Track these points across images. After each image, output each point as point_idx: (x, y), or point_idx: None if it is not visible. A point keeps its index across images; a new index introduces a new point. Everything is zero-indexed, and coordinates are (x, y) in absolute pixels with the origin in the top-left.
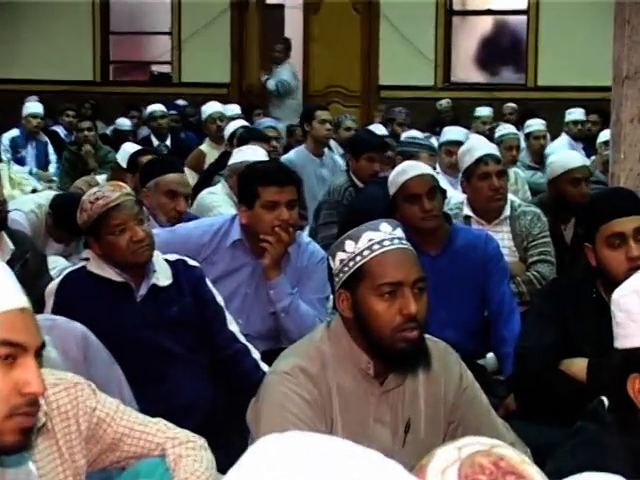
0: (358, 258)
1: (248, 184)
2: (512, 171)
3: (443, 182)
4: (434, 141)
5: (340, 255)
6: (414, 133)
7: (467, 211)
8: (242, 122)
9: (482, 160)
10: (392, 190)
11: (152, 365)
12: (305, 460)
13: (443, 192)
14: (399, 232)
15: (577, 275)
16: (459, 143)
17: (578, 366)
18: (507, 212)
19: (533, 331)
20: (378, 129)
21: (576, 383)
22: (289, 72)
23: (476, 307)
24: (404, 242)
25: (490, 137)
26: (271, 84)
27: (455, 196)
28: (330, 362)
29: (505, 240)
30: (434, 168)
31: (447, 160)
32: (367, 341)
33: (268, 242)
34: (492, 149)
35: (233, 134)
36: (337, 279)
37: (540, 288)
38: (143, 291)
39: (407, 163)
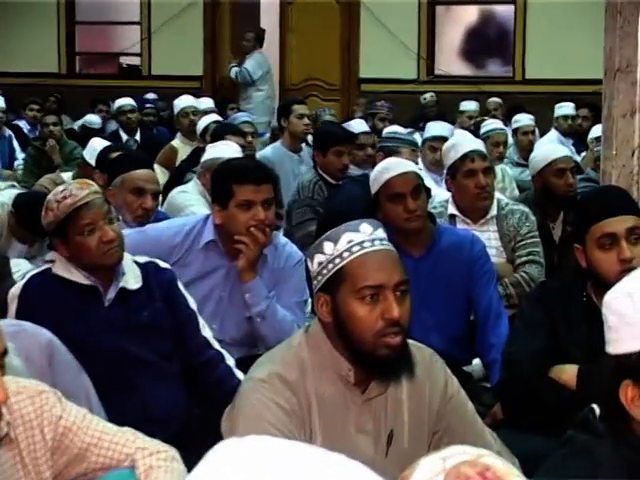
0: (337, 260)
1: (222, 182)
2: (499, 168)
3: (427, 179)
4: (417, 137)
5: (318, 257)
6: (396, 128)
7: (452, 210)
8: (215, 117)
9: (468, 156)
10: (374, 188)
11: (121, 373)
12: (267, 463)
13: (427, 191)
14: (380, 233)
15: (566, 277)
16: (444, 139)
17: (568, 373)
18: (494, 211)
19: (521, 336)
20: (359, 124)
21: (566, 390)
22: (254, 61)
23: (462, 311)
24: (385, 243)
25: (476, 132)
26: (232, 72)
27: (439, 194)
28: (309, 369)
29: (492, 240)
30: (416, 164)
31: (431, 156)
32: (348, 347)
33: (243, 243)
34: (478, 145)
35: (206, 129)
36: (316, 282)
37: (528, 291)
38: (111, 295)
39: (390, 160)
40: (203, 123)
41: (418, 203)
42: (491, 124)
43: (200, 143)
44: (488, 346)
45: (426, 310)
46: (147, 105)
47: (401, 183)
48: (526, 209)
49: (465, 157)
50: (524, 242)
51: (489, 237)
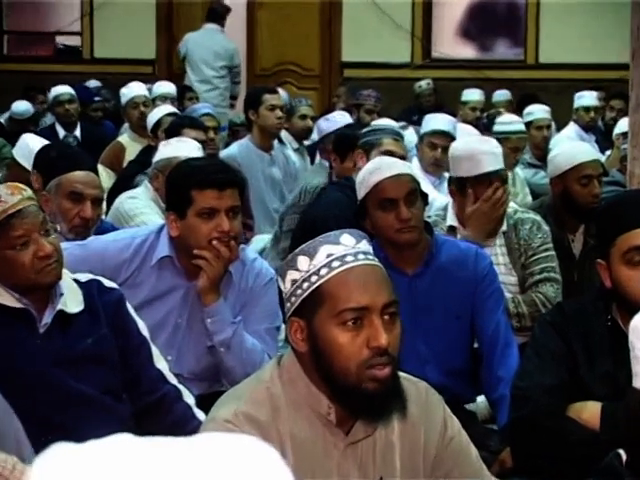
0: (314, 278)
1: (178, 187)
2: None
3: (423, 183)
4: (411, 132)
5: (292, 274)
6: (386, 122)
7: (452, 221)
8: (170, 108)
9: (488, 177)
10: (361, 193)
11: (59, 413)
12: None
13: (424, 197)
14: (365, 245)
15: (588, 299)
16: (446, 135)
17: (589, 411)
18: (504, 226)
19: (534, 369)
20: (341, 117)
21: (587, 432)
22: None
23: (464, 339)
24: (371, 258)
25: (481, 127)
26: (180, 51)
27: (437, 199)
28: (282, 407)
29: (499, 256)
30: (403, 159)
31: (430, 155)
32: (327, 381)
33: (204, 259)
34: (499, 160)
35: (159, 123)
36: (289, 304)
37: (542, 315)
38: (47, 320)
39: (382, 160)
40: (155, 115)
41: (413, 211)
42: (511, 122)
43: (152, 140)
44: (495, 380)
45: (422, 337)
46: (96, 99)
47: (394, 187)
48: (537, 217)
49: (484, 177)
50: (537, 257)
51: (495, 252)
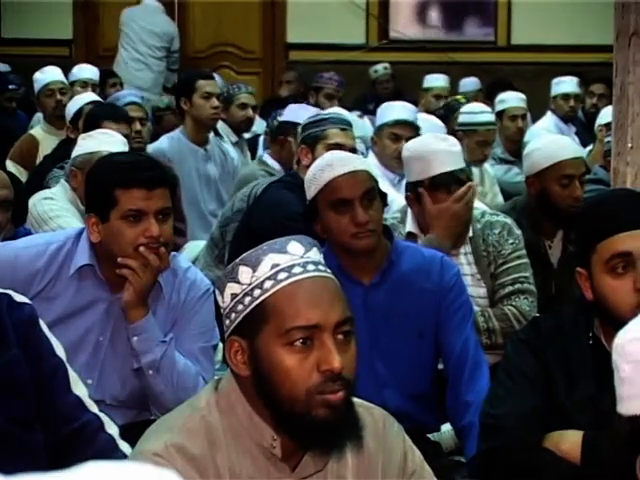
0: (257, 292)
1: (100, 186)
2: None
3: (382, 181)
4: (366, 122)
5: (232, 287)
6: (336, 110)
7: (411, 227)
8: (92, 96)
9: (442, 185)
10: (311, 192)
11: None
12: None
13: (383, 197)
14: (315, 254)
15: (567, 313)
16: (409, 125)
17: (570, 441)
18: (470, 232)
19: (506, 394)
20: (299, 109)
21: (567, 465)
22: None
23: (427, 359)
24: (322, 268)
25: (445, 118)
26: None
27: (396, 200)
28: (220, 439)
29: (464, 265)
30: (354, 152)
31: (393, 148)
32: (272, 409)
33: (130, 268)
34: (459, 159)
35: (79, 113)
36: (228, 321)
37: (515, 332)
38: None
39: (334, 155)
40: (75, 104)
41: (370, 213)
42: (478, 112)
43: (71, 132)
44: (462, 406)
45: (379, 357)
46: (10, 87)
47: (348, 186)
48: (508, 220)
49: (440, 178)
50: (508, 266)
51: (461, 261)
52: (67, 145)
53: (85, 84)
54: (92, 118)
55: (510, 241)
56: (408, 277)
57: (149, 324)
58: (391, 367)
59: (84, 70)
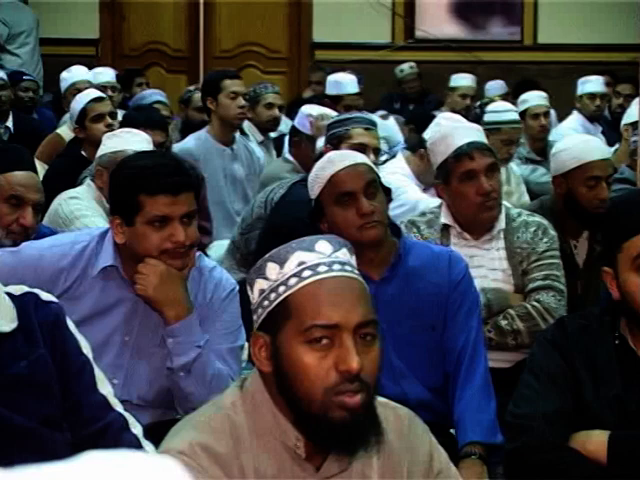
0: (282, 289)
1: (124, 191)
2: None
3: (409, 182)
4: (392, 122)
5: (260, 283)
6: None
7: (445, 218)
8: (96, 92)
9: (465, 153)
10: (315, 191)
11: None
12: None
13: (387, 192)
14: (344, 255)
15: (593, 313)
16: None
17: (595, 442)
18: (502, 224)
19: (532, 394)
20: (310, 108)
21: (592, 466)
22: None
23: (442, 350)
24: (349, 269)
25: (472, 118)
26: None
27: (422, 200)
28: (245, 438)
29: (496, 261)
30: (378, 152)
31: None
32: (291, 408)
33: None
34: (477, 134)
35: (83, 112)
36: (255, 317)
37: (541, 333)
38: None
39: (334, 152)
40: (79, 103)
41: (375, 204)
42: (503, 111)
43: (78, 132)
44: (455, 400)
45: (393, 350)
46: (25, 77)
47: (350, 178)
48: (545, 221)
49: (460, 153)
50: (540, 263)
51: (493, 257)
52: (78, 144)
53: (104, 88)
54: (128, 124)
55: (545, 240)
56: (417, 271)
57: (186, 328)
58: (406, 360)
59: (101, 75)
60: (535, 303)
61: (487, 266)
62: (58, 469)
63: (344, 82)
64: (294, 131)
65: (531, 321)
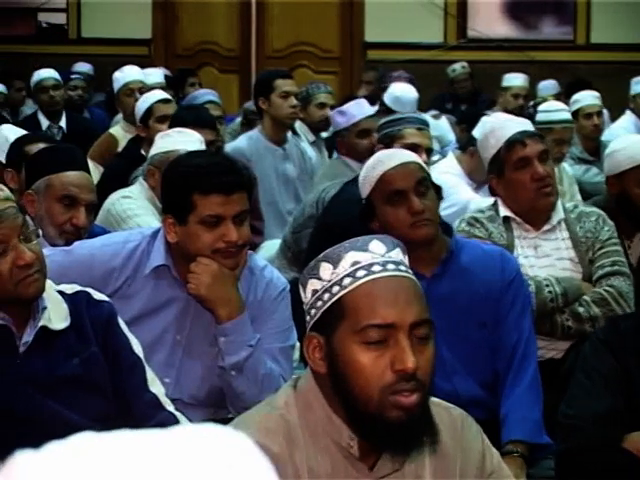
0: (336, 289)
1: (177, 190)
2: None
3: (459, 181)
4: (444, 122)
5: (313, 284)
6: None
7: (505, 211)
8: (161, 94)
9: (516, 141)
10: (365, 190)
11: (40, 443)
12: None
13: (437, 190)
14: (397, 255)
15: None
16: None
17: None
18: (561, 213)
19: (584, 394)
20: (359, 108)
21: None
22: None
23: (491, 348)
24: (403, 269)
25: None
26: None
27: (474, 200)
28: (299, 437)
29: (562, 250)
30: (430, 152)
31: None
32: (347, 408)
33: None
34: (526, 124)
35: (149, 111)
36: (308, 317)
37: (594, 333)
38: (28, 337)
39: (384, 151)
40: (145, 103)
41: (426, 202)
42: (555, 110)
43: (141, 130)
44: (503, 398)
45: (444, 345)
46: (72, 77)
47: (400, 176)
48: (601, 211)
49: (512, 142)
50: (606, 250)
51: (559, 246)
52: (137, 144)
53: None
54: (178, 123)
55: (606, 228)
56: (468, 268)
57: (238, 327)
58: (457, 355)
59: (151, 76)
60: (608, 288)
61: (554, 255)
62: (153, 437)
63: (404, 101)
64: (334, 135)
65: (607, 306)
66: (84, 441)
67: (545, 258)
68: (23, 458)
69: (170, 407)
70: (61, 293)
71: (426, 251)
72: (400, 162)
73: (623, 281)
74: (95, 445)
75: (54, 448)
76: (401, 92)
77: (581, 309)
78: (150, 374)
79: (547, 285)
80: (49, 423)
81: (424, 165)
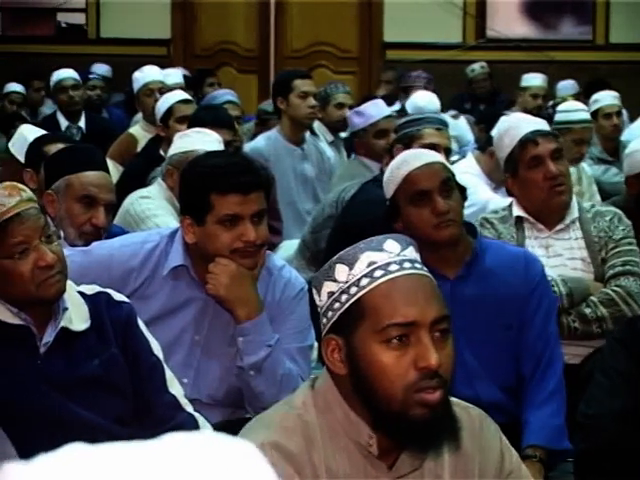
0: (354, 290)
1: (195, 190)
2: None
3: (479, 181)
4: (463, 122)
5: (328, 286)
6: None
7: (518, 211)
8: (181, 94)
9: (529, 140)
10: (390, 190)
11: (60, 443)
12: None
13: (462, 190)
14: (411, 252)
15: None
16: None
17: None
18: (575, 213)
19: (603, 393)
20: (376, 108)
21: None
22: None
23: (515, 351)
24: (418, 266)
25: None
26: None
27: (493, 200)
28: (317, 437)
29: (575, 250)
30: (449, 152)
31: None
32: (369, 407)
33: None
34: (540, 124)
35: (169, 111)
36: (325, 320)
37: (611, 333)
38: (49, 338)
39: (408, 151)
40: (166, 103)
41: (450, 203)
42: (574, 110)
43: (162, 130)
44: (526, 403)
45: (468, 348)
46: (91, 77)
47: (425, 177)
48: (618, 210)
49: (526, 141)
50: (619, 249)
51: (571, 246)
52: (156, 144)
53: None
54: (196, 123)
55: (621, 227)
56: (493, 271)
57: (257, 327)
58: (480, 359)
59: (169, 76)
60: (616, 288)
61: (565, 255)
62: (144, 447)
63: (426, 112)
64: (351, 136)
65: (614, 307)
66: (75, 452)
67: (556, 258)
68: (12, 469)
69: (189, 408)
70: (82, 294)
71: (450, 252)
72: (425, 162)
73: (633, 281)
74: (86, 456)
75: (44, 459)
76: (424, 102)
77: (588, 310)
78: (169, 375)
79: (552, 285)
80: (69, 424)
81: (449, 166)
